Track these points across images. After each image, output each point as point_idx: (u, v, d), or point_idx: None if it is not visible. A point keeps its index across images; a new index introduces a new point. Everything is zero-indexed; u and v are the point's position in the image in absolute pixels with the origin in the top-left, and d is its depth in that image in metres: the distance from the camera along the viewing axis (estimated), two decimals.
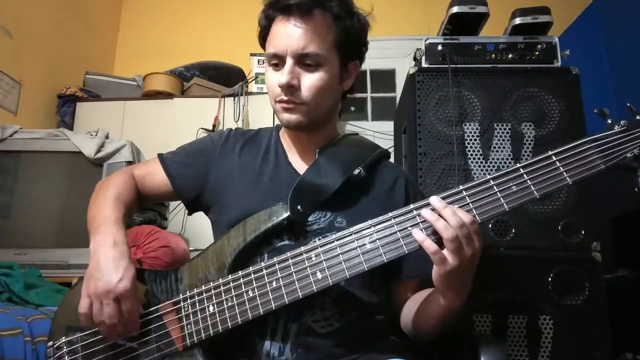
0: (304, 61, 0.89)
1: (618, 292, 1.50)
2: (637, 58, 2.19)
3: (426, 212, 0.75)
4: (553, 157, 0.76)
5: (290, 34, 0.88)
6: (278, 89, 0.90)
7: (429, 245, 0.73)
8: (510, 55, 1.58)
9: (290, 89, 0.89)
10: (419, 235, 0.74)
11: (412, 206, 0.78)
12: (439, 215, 0.74)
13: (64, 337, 0.88)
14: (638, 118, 0.76)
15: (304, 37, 0.88)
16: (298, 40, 0.88)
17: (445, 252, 0.73)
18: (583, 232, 1.42)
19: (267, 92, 0.95)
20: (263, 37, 0.96)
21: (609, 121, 0.78)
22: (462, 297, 0.79)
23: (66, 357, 0.86)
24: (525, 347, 1.38)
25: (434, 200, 0.75)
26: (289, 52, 0.89)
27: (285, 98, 0.90)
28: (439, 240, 0.73)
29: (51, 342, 0.89)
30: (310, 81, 0.90)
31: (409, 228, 0.77)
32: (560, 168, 0.75)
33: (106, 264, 0.82)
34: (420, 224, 0.77)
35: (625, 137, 0.75)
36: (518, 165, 0.77)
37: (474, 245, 0.73)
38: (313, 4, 0.89)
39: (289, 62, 0.89)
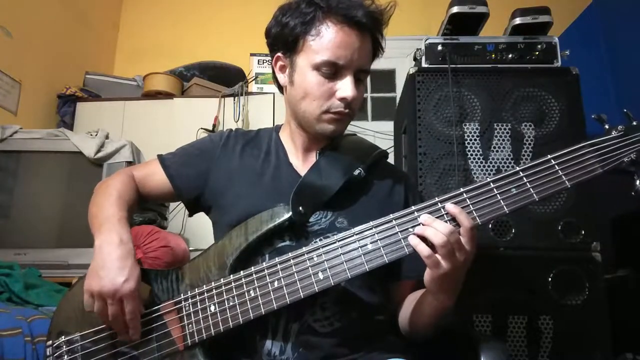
0: (358, 76, 0.91)
1: (618, 292, 1.50)
2: (637, 58, 2.19)
3: (424, 217, 0.77)
4: (552, 160, 0.78)
5: (358, 49, 0.88)
6: (334, 100, 0.89)
7: (422, 249, 0.74)
8: (510, 55, 1.59)
9: (352, 103, 0.90)
10: (413, 239, 0.76)
11: (413, 208, 0.79)
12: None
13: (63, 337, 0.88)
14: (635, 124, 0.78)
15: (367, 54, 0.92)
16: (364, 57, 0.90)
17: (437, 256, 0.74)
18: (583, 232, 1.42)
19: (307, 97, 0.91)
20: (296, 36, 0.90)
21: (607, 126, 0.80)
22: (452, 298, 0.81)
23: (65, 356, 0.86)
24: (525, 347, 1.38)
25: (424, 218, 0.76)
26: (354, 66, 0.89)
27: (345, 110, 0.91)
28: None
29: (50, 342, 0.88)
30: (359, 94, 0.92)
31: (410, 229, 0.78)
32: (559, 172, 0.77)
33: (111, 263, 0.82)
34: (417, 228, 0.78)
35: (622, 142, 0.77)
36: (518, 168, 0.78)
37: (466, 251, 0.75)
38: (378, 27, 0.92)
39: (350, 75, 0.89)
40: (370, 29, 0.90)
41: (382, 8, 0.92)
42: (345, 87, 0.88)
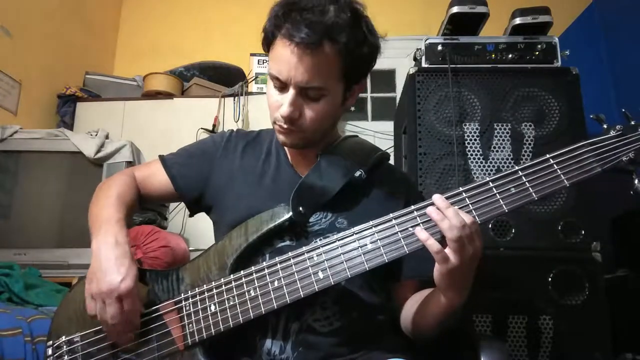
0: (307, 93, 0.86)
1: (618, 292, 1.50)
2: (637, 58, 2.19)
3: (432, 211, 0.75)
4: (551, 160, 0.78)
5: (295, 65, 0.82)
6: (278, 113, 0.88)
7: (432, 244, 0.73)
8: (510, 55, 1.59)
9: (291, 120, 0.87)
10: (422, 234, 0.75)
11: (413, 207, 0.79)
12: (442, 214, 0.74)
13: (63, 337, 0.88)
14: (633, 123, 0.78)
15: (309, 71, 0.83)
16: (303, 74, 0.83)
17: (447, 250, 0.73)
18: (583, 232, 1.42)
19: (268, 105, 0.92)
20: (267, 44, 0.90)
21: (605, 126, 0.80)
22: (462, 296, 0.79)
23: (66, 356, 0.86)
24: (525, 347, 1.38)
25: (437, 198, 0.76)
26: (293, 82, 0.84)
27: (284, 125, 0.88)
28: (440, 239, 0.74)
29: (51, 342, 0.89)
30: (312, 112, 0.87)
31: (410, 229, 0.77)
32: (558, 171, 0.77)
33: (108, 263, 0.82)
34: (421, 223, 0.77)
35: (621, 141, 0.77)
36: (517, 167, 0.78)
37: (475, 245, 0.74)
38: (322, 37, 0.81)
39: (292, 92, 0.85)
40: (310, 43, 0.81)
41: (330, 22, 0.82)
42: (284, 102, 0.86)
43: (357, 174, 0.94)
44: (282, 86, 0.87)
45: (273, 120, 0.91)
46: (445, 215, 0.74)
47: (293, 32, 0.81)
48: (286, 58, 0.83)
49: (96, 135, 1.92)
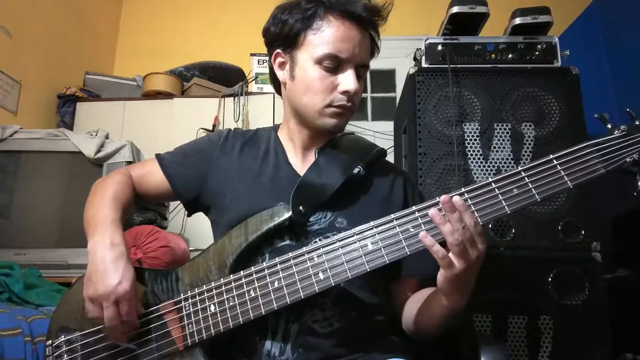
0: (358, 71, 0.92)
1: (618, 292, 1.50)
2: (637, 58, 2.19)
3: (434, 214, 0.74)
4: (554, 160, 0.76)
5: (359, 43, 0.90)
6: (336, 94, 0.90)
7: (438, 250, 0.72)
8: (510, 55, 1.59)
9: (354, 96, 0.91)
10: (427, 240, 0.73)
11: (414, 208, 0.78)
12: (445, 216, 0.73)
13: (62, 336, 0.87)
14: (637, 123, 0.77)
15: (367, 49, 0.93)
16: (365, 52, 0.92)
17: (450, 255, 0.73)
18: (583, 232, 1.42)
19: (309, 91, 0.91)
20: (297, 32, 0.91)
21: (609, 126, 0.78)
22: (465, 298, 0.79)
23: (65, 356, 0.86)
24: (525, 347, 1.38)
25: (445, 200, 0.73)
26: (355, 59, 0.90)
27: (348, 104, 0.91)
28: (441, 240, 0.74)
29: (50, 341, 0.88)
30: (360, 89, 0.93)
31: (411, 229, 0.77)
32: (562, 172, 0.76)
33: (104, 266, 0.81)
34: (422, 224, 0.77)
35: (625, 141, 0.75)
36: (519, 168, 0.77)
37: (478, 248, 0.73)
38: (377, 22, 0.93)
39: (352, 69, 0.90)
40: (370, 24, 0.92)
41: (381, 4, 0.92)
42: (348, 80, 0.89)
43: (356, 170, 0.94)
44: (336, 65, 0.89)
45: (328, 103, 0.91)
46: (447, 219, 0.73)
47: (361, 11, 0.89)
48: (349, 36, 0.89)
49: (96, 135, 1.92)
